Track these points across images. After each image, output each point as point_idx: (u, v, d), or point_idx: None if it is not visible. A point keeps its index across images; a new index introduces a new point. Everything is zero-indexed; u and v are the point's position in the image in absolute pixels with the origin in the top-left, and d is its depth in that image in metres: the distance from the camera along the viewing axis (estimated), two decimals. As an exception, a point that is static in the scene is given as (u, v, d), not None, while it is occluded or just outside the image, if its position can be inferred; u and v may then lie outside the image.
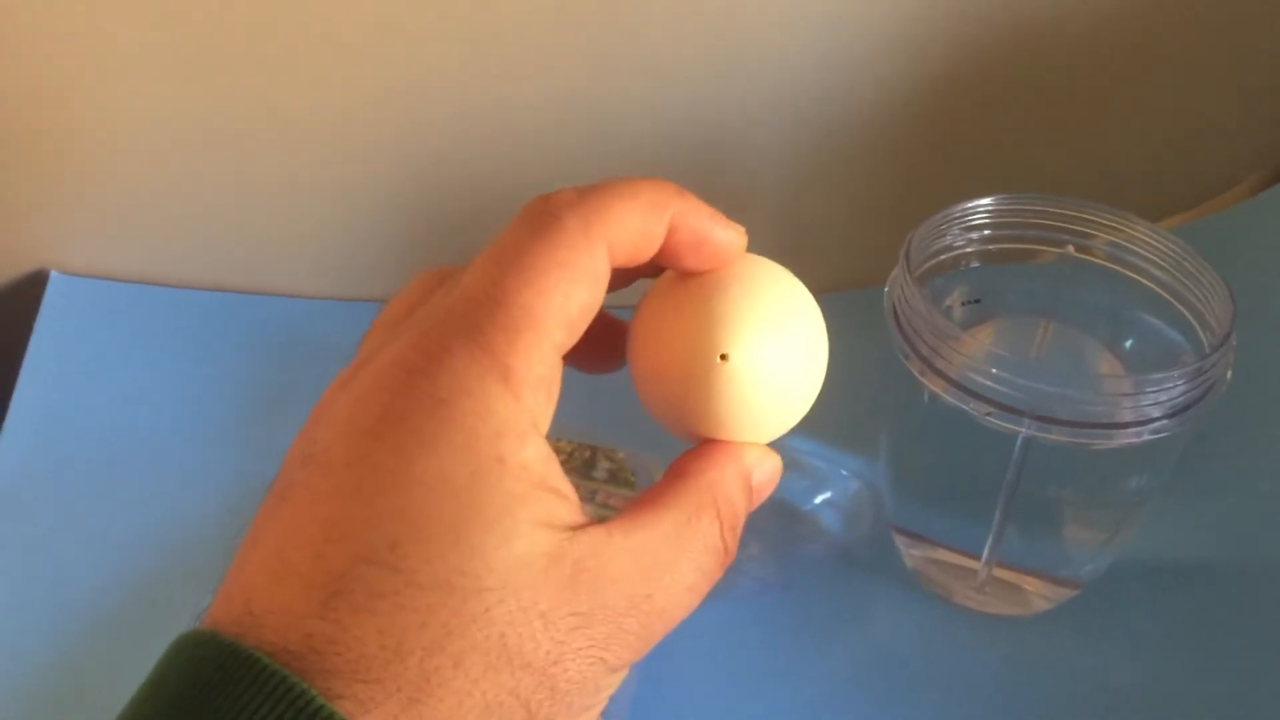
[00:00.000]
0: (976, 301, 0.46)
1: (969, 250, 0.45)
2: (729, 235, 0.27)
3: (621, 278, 0.28)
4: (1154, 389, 0.37)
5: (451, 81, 0.55)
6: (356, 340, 0.27)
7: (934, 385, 0.39)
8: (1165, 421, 0.38)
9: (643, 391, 0.28)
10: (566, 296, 0.24)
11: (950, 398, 0.38)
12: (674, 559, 0.25)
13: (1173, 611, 0.46)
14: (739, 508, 0.27)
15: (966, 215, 0.44)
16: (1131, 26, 0.58)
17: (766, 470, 0.29)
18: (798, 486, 0.50)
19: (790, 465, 0.50)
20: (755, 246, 0.29)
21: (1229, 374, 0.39)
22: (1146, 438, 0.38)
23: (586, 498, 0.48)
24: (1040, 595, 0.46)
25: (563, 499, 0.24)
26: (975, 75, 0.58)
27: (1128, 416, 0.38)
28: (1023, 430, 0.38)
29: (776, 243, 0.61)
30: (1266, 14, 0.59)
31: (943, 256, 0.44)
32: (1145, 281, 0.43)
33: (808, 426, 0.52)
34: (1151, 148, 0.62)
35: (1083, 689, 0.43)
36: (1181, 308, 0.42)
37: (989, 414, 0.38)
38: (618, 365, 0.30)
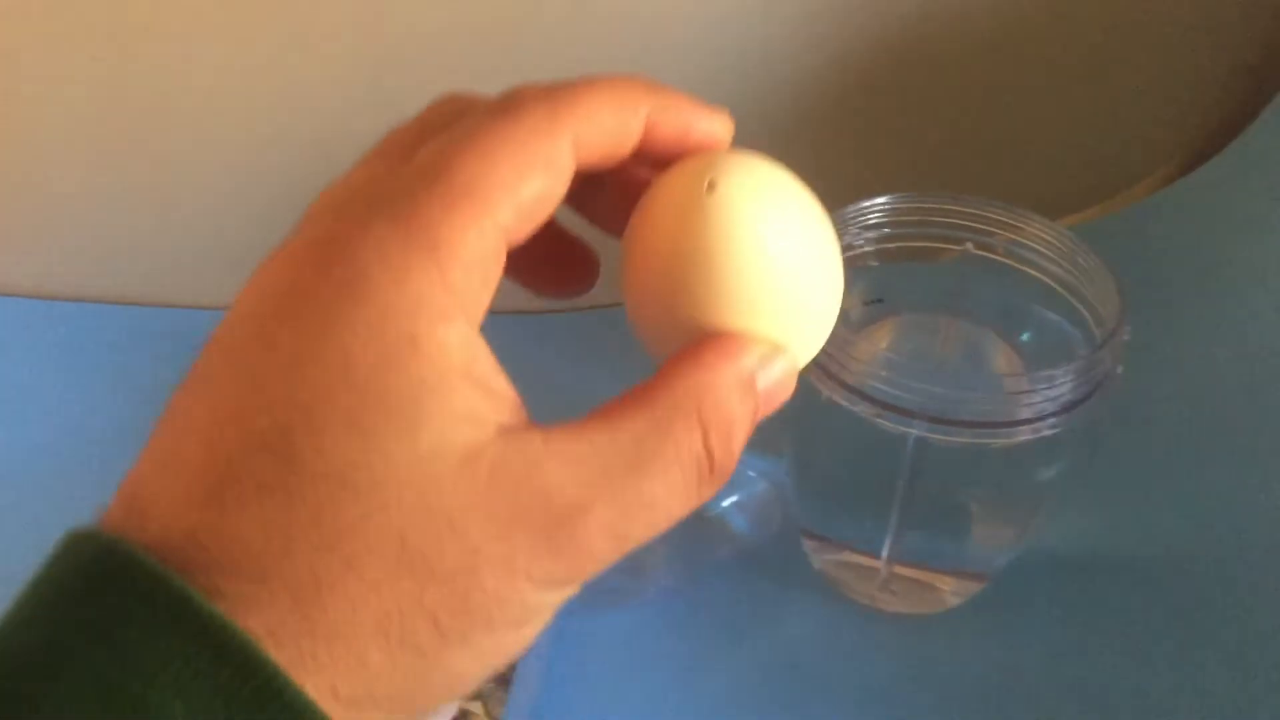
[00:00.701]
0: (879, 301, 0.46)
1: (868, 249, 0.44)
2: (714, 124, 0.25)
3: (598, 187, 0.26)
4: (1044, 386, 0.37)
5: (375, 95, 0.54)
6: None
7: (826, 388, 0.39)
8: (1056, 418, 0.38)
9: (632, 296, 0.25)
10: (519, 176, 0.22)
11: (843, 401, 0.38)
12: (630, 470, 0.22)
13: (1078, 603, 0.46)
14: (734, 413, 0.23)
15: (864, 214, 0.44)
16: (1036, 24, 0.58)
17: (777, 371, 0.24)
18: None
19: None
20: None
21: (1119, 369, 0.39)
22: (1039, 435, 0.38)
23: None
24: (947, 591, 0.45)
25: (490, 394, 0.21)
26: (875, 72, 0.58)
27: (1019, 414, 0.37)
28: (914, 431, 0.37)
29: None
30: (1170, 10, 0.59)
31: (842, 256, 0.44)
32: (1042, 277, 0.43)
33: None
34: (1058, 144, 0.63)
35: (990, 683, 0.43)
36: (1076, 302, 0.42)
37: (879, 416, 0.37)
38: (582, 286, 0.28)
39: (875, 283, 0.45)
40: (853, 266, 0.44)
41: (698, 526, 0.48)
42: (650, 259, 0.24)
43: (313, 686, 0.19)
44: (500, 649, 0.21)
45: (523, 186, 0.22)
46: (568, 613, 0.44)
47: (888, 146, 0.60)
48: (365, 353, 0.20)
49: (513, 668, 0.41)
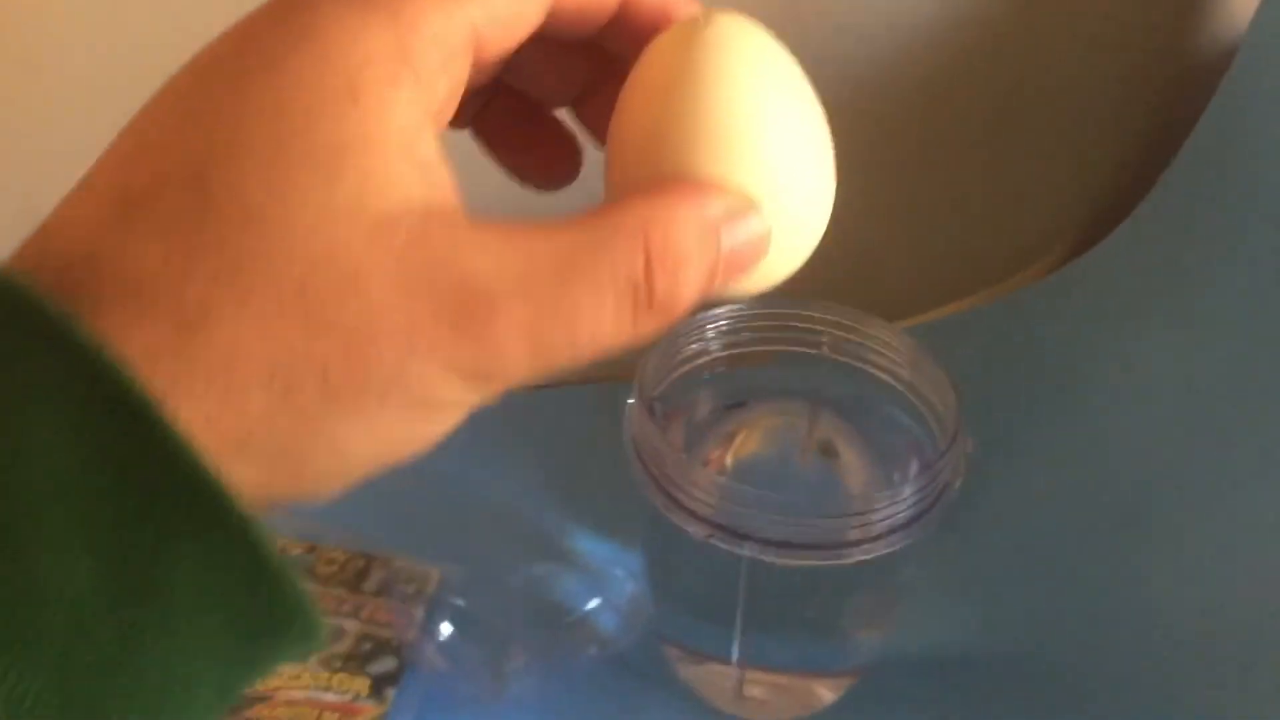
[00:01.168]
0: (739, 404, 0.46)
1: (721, 355, 0.44)
2: (694, 8, 0.24)
3: (593, 91, 0.25)
4: (882, 505, 0.37)
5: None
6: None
7: (663, 506, 0.38)
8: (892, 537, 0.38)
9: (615, 155, 0.24)
10: None
11: (676, 520, 0.38)
12: (557, 276, 0.20)
13: (947, 701, 0.46)
14: (686, 250, 0.21)
15: (717, 320, 0.44)
16: (916, 109, 0.58)
17: (747, 229, 0.22)
18: (570, 589, 0.49)
19: (562, 566, 0.50)
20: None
21: (958, 482, 0.39)
22: (874, 555, 0.37)
23: (350, 613, 0.47)
24: (815, 691, 0.45)
25: (424, 175, 0.20)
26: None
27: (853, 536, 0.37)
28: (746, 554, 0.37)
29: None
30: (1052, 101, 0.60)
31: (697, 361, 0.44)
32: (892, 382, 0.43)
33: (580, 519, 0.52)
34: (938, 232, 0.63)
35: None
36: (924, 409, 0.42)
37: (710, 537, 0.37)
38: (563, 176, 0.27)
39: (734, 386, 0.45)
40: (709, 371, 0.44)
41: (560, 630, 0.47)
42: (637, 104, 0.23)
43: (186, 412, 0.18)
44: (394, 435, 0.21)
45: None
46: (418, 717, 0.44)
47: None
48: (299, 98, 0.19)
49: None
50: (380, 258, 0.19)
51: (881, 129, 0.59)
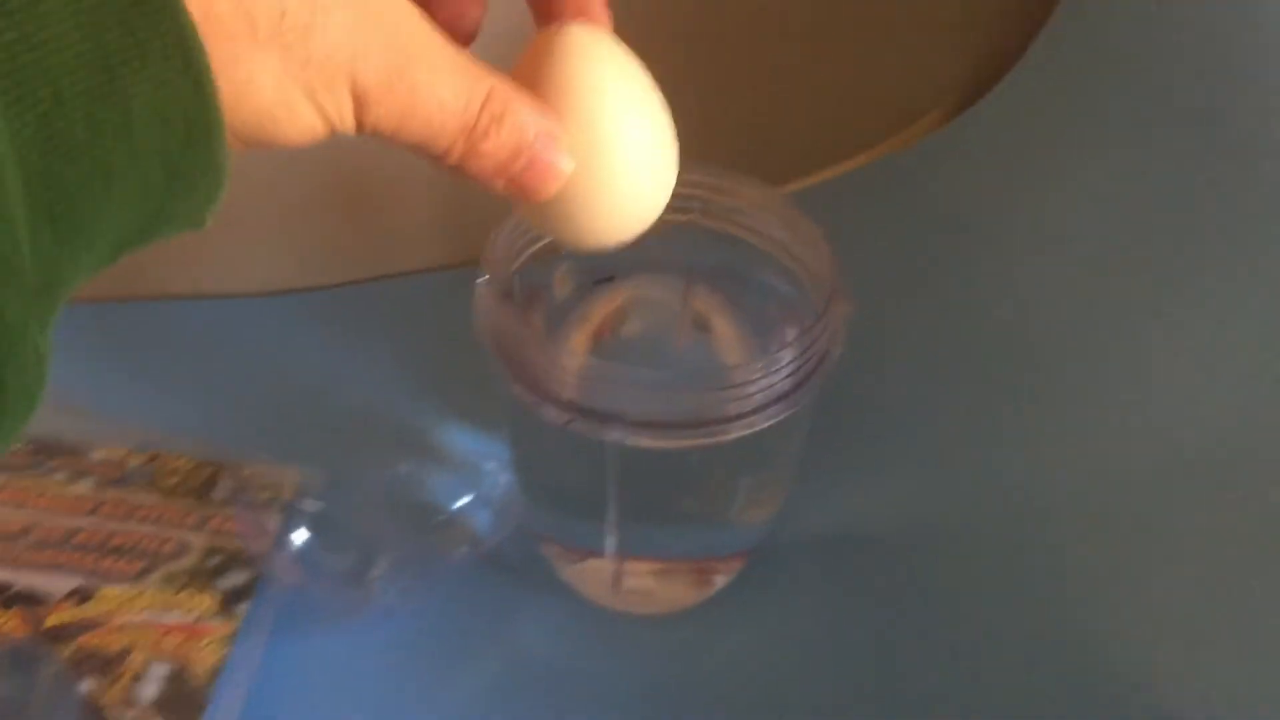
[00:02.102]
0: (609, 279, 0.42)
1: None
2: None
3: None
4: (758, 376, 0.34)
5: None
6: None
7: (519, 394, 0.35)
8: (773, 407, 0.35)
9: None
10: None
11: (534, 406, 0.35)
12: (429, 70, 0.24)
13: (839, 579, 0.44)
14: (511, 123, 0.26)
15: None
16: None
17: (555, 153, 0.27)
18: (437, 486, 0.45)
19: (428, 462, 0.47)
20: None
21: (838, 349, 0.36)
22: (752, 429, 0.35)
23: (196, 525, 0.43)
24: (695, 581, 0.43)
25: None
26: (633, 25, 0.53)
27: (729, 411, 0.34)
28: (612, 438, 0.34)
29: (434, 215, 0.56)
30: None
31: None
32: (767, 247, 0.40)
33: (445, 411, 0.49)
34: (826, 91, 0.60)
35: (743, 678, 0.41)
36: (801, 274, 0.39)
37: (569, 423, 0.34)
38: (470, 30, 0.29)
39: (599, 260, 0.42)
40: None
41: (431, 529, 0.44)
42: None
43: None
44: (249, 98, 0.22)
45: None
46: (273, 633, 0.41)
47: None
48: None
49: (198, 714, 0.37)
50: None
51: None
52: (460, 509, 0.45)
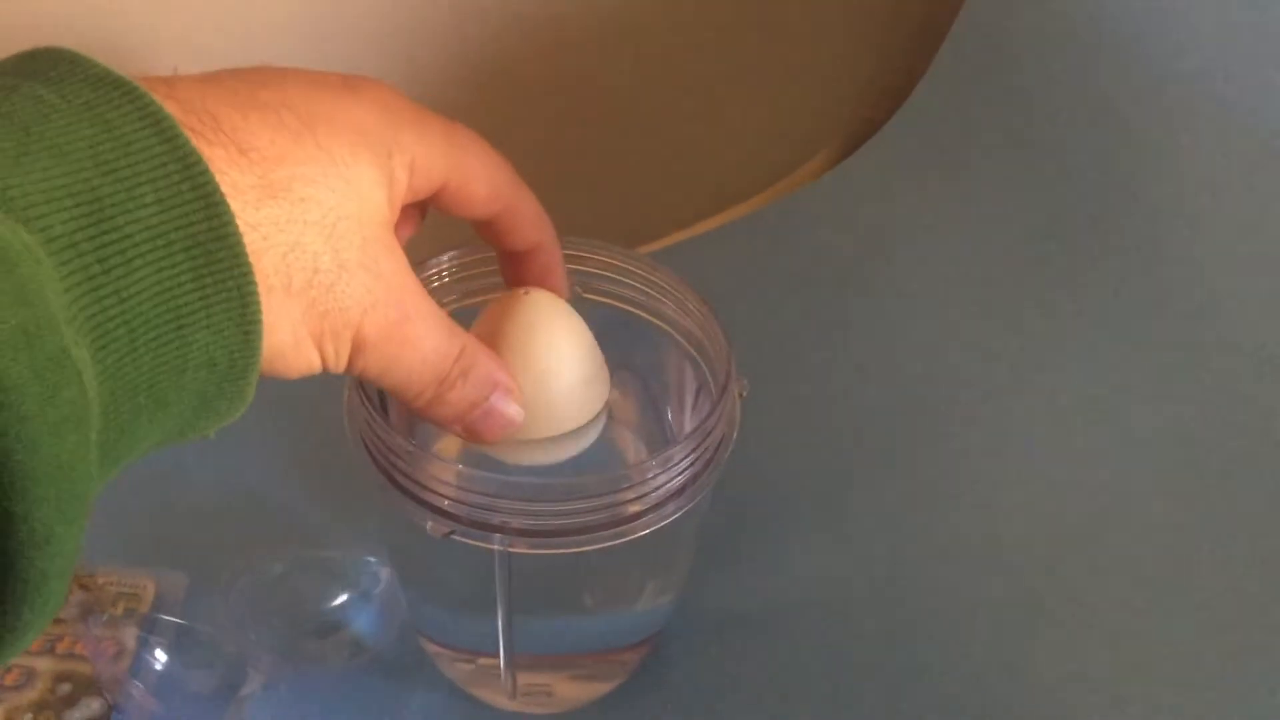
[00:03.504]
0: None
1: (454, 305, 0.38)
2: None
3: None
4: (653, 474, 0.32)
5: None
6: None
7: (394, 503, 0.32)
8: (670, 505, 0.33)
9: None
10: None
11: (413, 517, 0.32)
12: (421, 326, 0.28)
13: (738, 661, 0.42)
14: (476, 377, 0.29)
15: (440, 271, 0.37)
16: (675, 20, 0.53)
17: (509, 406, 0.31)
18: (313, 585, 0.42)
19: (301, 559, 0.43)
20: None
21: (734, 432, 0.34)
22: (649, 530, 0.32)
23: (42, 649, 0.39)
24: (598, 675, 0.40)
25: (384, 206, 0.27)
26: (498, 87, 0.51)
27: (624, 513, 0.32)
28: (495, 548, 0.31)
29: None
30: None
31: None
32: (655, 320, 0.38)
33: (317, 501, 0.45)
34: (709, 137, 0.58)
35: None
36: (691, 347, 0.37)
37: (450, 534, 0.31)
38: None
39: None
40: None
41: (305, 636, 0.41)
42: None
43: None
44: (268, 339, 0.24)
45: None
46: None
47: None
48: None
49: None
50: (371, 231, 0.26)
51: (636, 36, 0.53)
52: (338, 610, 0.42)
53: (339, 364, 0.26)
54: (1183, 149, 0.45)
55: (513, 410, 0.30)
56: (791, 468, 0.47)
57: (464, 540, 0.31)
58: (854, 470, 0.47)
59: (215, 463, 0.47)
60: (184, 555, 0.43)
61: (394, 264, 0.27)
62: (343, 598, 0.42)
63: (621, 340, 0.38)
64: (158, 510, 0.45)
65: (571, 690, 0.40)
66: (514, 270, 0.34)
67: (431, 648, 0.40)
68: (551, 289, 0.34)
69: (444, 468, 0.31)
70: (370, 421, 0.32)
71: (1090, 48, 0.48)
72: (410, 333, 0.27)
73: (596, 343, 0.34)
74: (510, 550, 0.32)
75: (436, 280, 0.37)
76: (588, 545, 0.32)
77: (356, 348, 0.26)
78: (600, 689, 0.40)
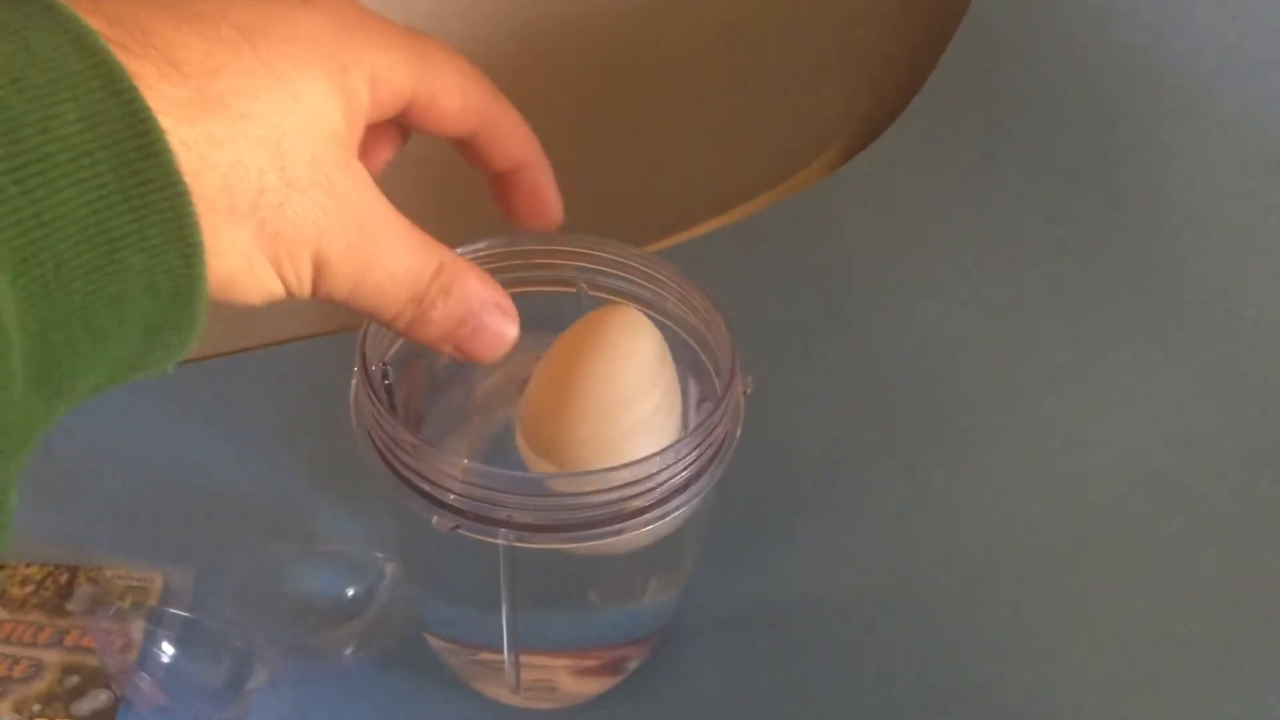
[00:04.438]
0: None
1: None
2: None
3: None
4: (658, 470, 0.32)
5: None
6: None
7: (401, 496, 0.32)
8: (675, 500, 0.33)
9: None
10: None
11: (419, 511, 0.32)
12: (386, 237, 0.26)
13: (741, 659, 0.42)
14: (461, 294, 0.28)
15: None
16: (681, 21, 0.53)
17: (501, 320, 0.29)
18: (319, 579, 0.42)
19: (307, 553, 0.43)
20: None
21: (739, 429, 0.34)
22: (652, 525, 0.32)
23: (50, 641, 0.39)
24: (600, 670, 0.41)
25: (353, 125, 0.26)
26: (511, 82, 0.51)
27: (628, 508, 0.32)
28: (500, 542, 0.32)
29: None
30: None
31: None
32: (660, 318, 0.38)
33: (324, 495, 0.46)
34: (714, 139, 0.58)
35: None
36: (697, 346, 0.37)
37: (455, 528, 0.31)
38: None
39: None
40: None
41: (313, 631, 0.41)
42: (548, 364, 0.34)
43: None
44: (218, 264, 0.23)
45: None
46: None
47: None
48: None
49: None
50: (325, 147, 0.25)
51: (643, 36, 0.53)
52: (344, 605, 0.42)
53: (302, 288, 0.25)
54: (1191, 150, 0.45)
55: (505, 327, 0.29)
56: (798, 466, 0.47)
57: (469, 535, 0.32)
58: (861, 469, 0.47)
59: (224, 460, 0.47)
60: (191, 550, 0.43)
61: (351, 180, 0.26)
62: (348, 592, 0.42)
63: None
64: (166, 506, 0.45)
65: (575, 685, 0.40)
66: (502, 195, 0.33)
67: (436, 643, 0.40)
68: (541, 211, 0.33)
69: (450, 462, 0.31)
70: (376, 415, 0.32)
71: (1096, 50, 0.48)
72: (374, 251, 0.26)
73: (671, 363, 0.34)
74: (515, 545, 0.32)
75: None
76: (592, 540, 0.32)
77: (318, 269, 0.25)
78: (603, 684, 0.40)
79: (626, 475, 0.31)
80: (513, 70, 0.51)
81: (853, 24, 0.58)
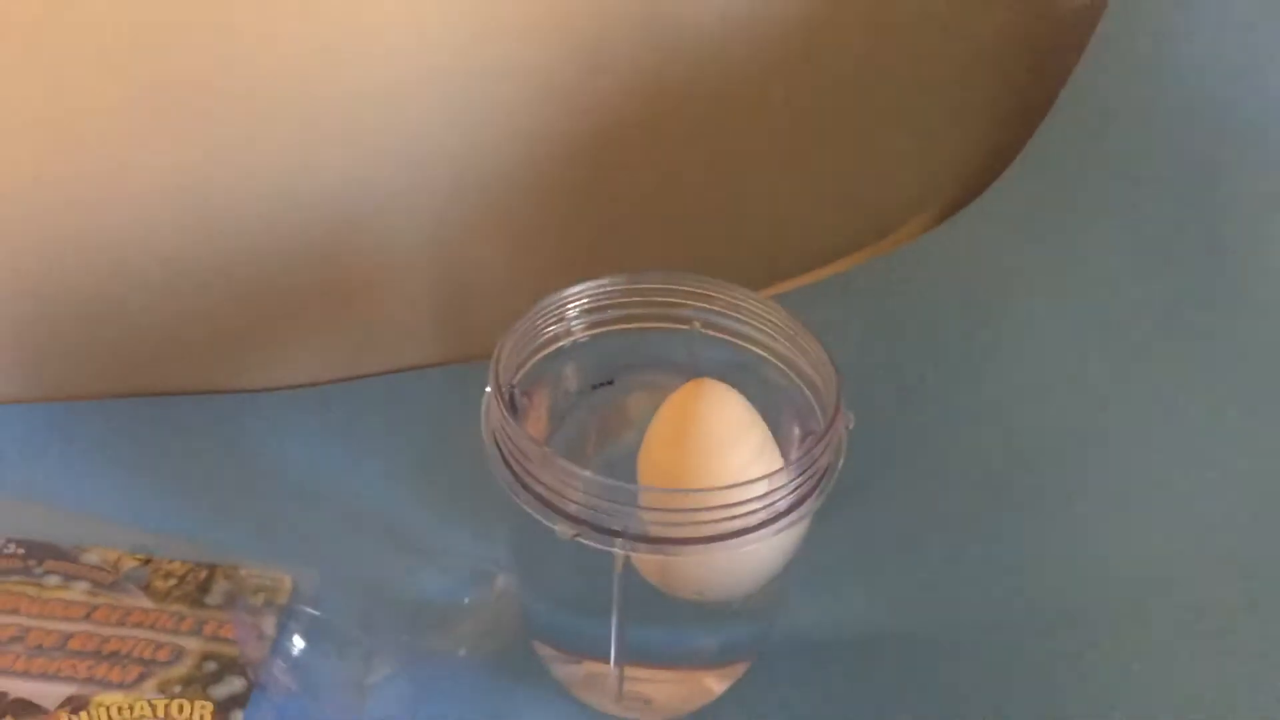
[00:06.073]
0: (608, 383, 0.43)
1: (584, 336, 0.41)
2: None
3: None
4: (761, 493, 0.35)
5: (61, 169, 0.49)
6: None
7: (525, 503, 0.35)
8: (775, 524, 0.35)
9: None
10: None
11: (542, 518, 0.35)
12: None
13: (842, 683, 0.44)
14: None
15: (580, 297, 0.41)
16: (784, 73, 0.56)
17: None
18: (435, 587, 0.45)
19: (426, 562, 0.47)
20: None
21: (840, 461, 0.37)
22: (753, 544, 0.35)
23: (191, 630, 0.43)
24: (697, 687, 0.43)
25: None
26: (627, 141, 0.55)
27: (731, 527, 0.35)
28: (617, 551, 0.34)
29: (429, 311, 0.57)
30: (924, 63, 0.58)
31: (558, 344, 0.41)
32: (769, 357, 0.41)
33: (443, 511, 0.49)
34: (819, 191, 0.61)
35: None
36: (803, 385, 0.40)
37: (576, 536, 0.34)
38: None
39: (601, 363, 0.42)
40: (572, 349, 0.41)
41: (425, 631, 0.44)
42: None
43: None
44: None
45: None
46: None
47: (637, 212, 0.57)
48: None
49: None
50: None
51: (750, 91, 0.56)
52: (459, 610, 0.45)
53: None
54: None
55: None
56: (900, 504, 0.49)
57: (587, 543, 0.34)
58: (965, 511, 0.49)
59: (352, 470, 0.51)
60: (320, 554, 0.46)
61: None
62: (463, 600, 0.45)
63: (731, 370, 0.41)
64: (298, 515, 0.49)
65: (670, 700, 0.43)
66: None
67: (544, 650, 0.43)
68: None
69: (572, 472, 0.34)
70: (505, 425, 0.35)
71: (1200, 118, 0.49)
72: None
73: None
74: (630, 554, 0.34)
75: (574, 308, 0.40)
76: (700, 553, 0.35)
77: None
78: (698, 701, 0.43)
79: (736, 495, 0.34)
80: (615, 129, 0.55)
81: (954, 87, 0.60)
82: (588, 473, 0.34)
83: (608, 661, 0.40)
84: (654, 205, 0.58)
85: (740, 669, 0.43)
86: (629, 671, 0.41)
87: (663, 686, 0.42)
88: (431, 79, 0.51)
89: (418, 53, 0.50)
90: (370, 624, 0.44)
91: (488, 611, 0.45)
